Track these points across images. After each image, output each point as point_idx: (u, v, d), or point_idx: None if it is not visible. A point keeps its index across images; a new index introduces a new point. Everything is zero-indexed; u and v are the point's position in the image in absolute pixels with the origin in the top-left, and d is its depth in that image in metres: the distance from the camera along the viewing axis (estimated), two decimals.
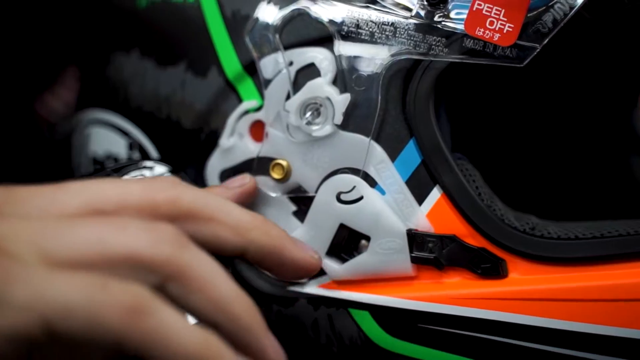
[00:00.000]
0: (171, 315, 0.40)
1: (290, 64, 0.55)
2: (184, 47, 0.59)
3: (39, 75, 0.80)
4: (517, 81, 0.64)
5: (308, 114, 0.55)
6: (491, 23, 0.50)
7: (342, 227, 0.55)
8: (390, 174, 0.54)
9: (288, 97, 0.55)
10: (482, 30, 0.50)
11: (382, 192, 0.54)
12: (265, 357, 0.43)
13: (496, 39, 0.50)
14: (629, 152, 0.69)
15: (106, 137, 0.63)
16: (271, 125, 0.56)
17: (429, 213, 0.53)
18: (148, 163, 0.56)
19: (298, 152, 0.55)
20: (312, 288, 0.56)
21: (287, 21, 0.55)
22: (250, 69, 0.56)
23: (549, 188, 0.69)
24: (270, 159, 0.56)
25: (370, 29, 0.53)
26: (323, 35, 0.54)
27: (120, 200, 0.44)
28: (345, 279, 0.55)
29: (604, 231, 0.52)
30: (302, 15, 0.55)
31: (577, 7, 0.49)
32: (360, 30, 0.53)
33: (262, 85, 0.56)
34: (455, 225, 0.53)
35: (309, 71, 0.55)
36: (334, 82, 0.54)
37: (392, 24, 0.52)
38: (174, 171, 0.56)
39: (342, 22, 0.53)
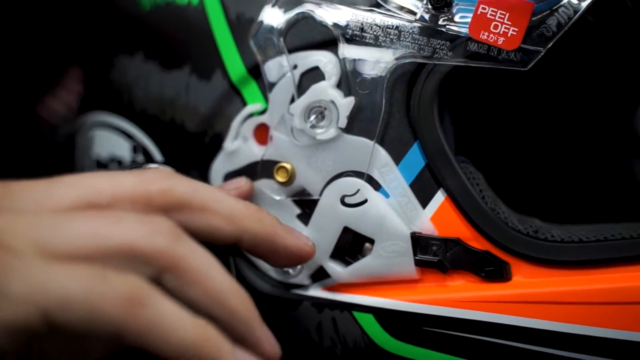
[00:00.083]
0: (169, 306, 0.40)
1: (295, 67, 0.55)
2: (188, 50, 0.59)
3: (40, 77, 0.80)
4: (521, 84, 0.64)
5: (312, 117, 0.55)
6: (495, 27, 0.50)
7: (346, 230, 0.55)
8: (395, 177, 0.54)
9: (292, 101, 0.55)
10: (486, 33, 0.50)
11: (386, 195, 0.54)
12: (261, 348, 0.44)
13: (500, 42, 0.50)
14: (631, 154, 0.70)
15: (110, 139, 0.63)
16: (275, 128, 0.56)
17: (433, 216, 0.54)
18: (152, 166, 0.56)
19: (302, 155, 0.55)
20: (316, 291, 0.56)
21: (292, 24, 0.55)
22: (255, 72, 0.57)
23: (552, 191, 0.69)
24: (275, 162, 0.56)
25: (375, 33, 0.53)
26: (327, 39, 0.54)
27: (114, 193, 0.45)
28: (349, 282, 0.55)
29: (608, 234, 0.52)
30: (306, 19, 0.55)
31: (581, 11, 0.49)
32: (364, 34, 0.53)
33: (266, 88, 0.56)
34: (459, 229, 0.53)
35: (313, 74, 0.55)
36: (338, 85, 0.54)
37: (397, 27, 0.52)
38: None
39: (347, 26, 0.53)
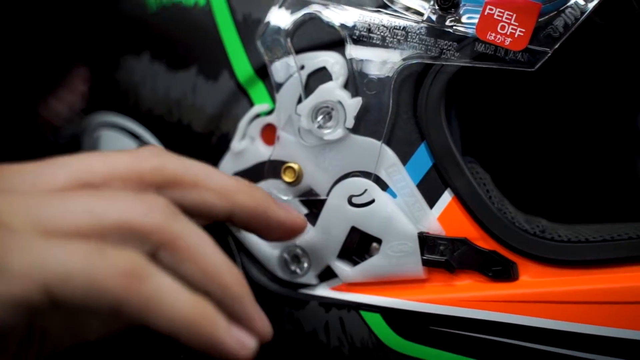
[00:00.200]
0: (167, 281, 0.41)
1: (302, 67, 0.55)
2: (195, 50, 0.59)
3: (43, 78, 0.80)
4: (527, 85, 0.65)
5: (319, 118, 0.55)
6: (502, 28, 0.50)
7: (354, 230, 0.55)
8: (402, 177, 0.54)
9: (299, 101, 0.55)
10: (493, 34, 0.50)
11: (394, 195, 0.54)
12: (254, 324, 0.44)
13: (507, 43, 0.50)
14: (637, 154, 0.70)
15: (116, 140, 0.63)
16: (283, 128, 0.56)
17: (440, 216, 0.54)
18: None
19: (309, 156, 0.55)
20: (324, 290, 0.56)
21: (299, 25, 0.55)
22: (262, 72, 0.57)
23: (559, 191, 0.69)
24: (282, 162, 0.56)
25: (382, 33, 0.53)
26: (334, 40, 0.54)
27: (107, 172, 0.45)
28: (357, 282, 0.56)
29: (614, 234, 0.52)
30: (313, 20, 0.55)
31: (588, 12, 0.50)
32: (371, 35, 0.53)
33: (273, 89, 0.56)
34: (466, 228, 0.53)
35: (321, 75, 0.55)
36: (346, 86, 0.55)
37: (404, 28, 0.53)
38: None
39: (354, 27, 0.54)
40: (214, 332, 0.41)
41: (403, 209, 0.54)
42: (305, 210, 0.56)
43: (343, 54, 0.54)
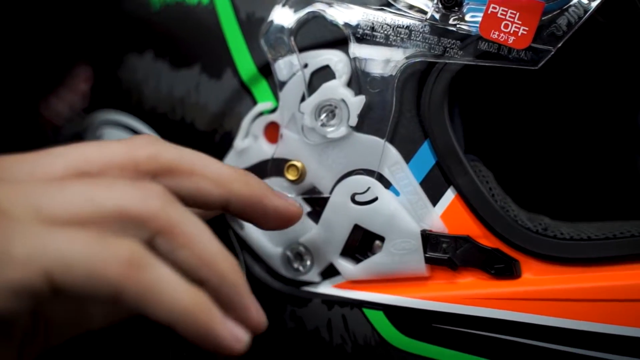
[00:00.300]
0: (166, 270, 0.41)
1: (305, 66, 0.55)
2: (198, 49, 0.59)
3: (44, 77, 0.80)
4: (530, 83, 0.65)
5: (323, 116, 0.55)
6: (506, 26, 0.50)
7: (357, 228, 0.55)
8: (405, 175, 0.54)
9: (303, 99, 0.55)
10: (497, 33, 0.51)
11: (397, 193, 0.54)
12: (249, 314, 0.44)
13: (511, 41, 0.51)
14: (637, 152, 0.70)
15: (119, 138, 0.63)
16: (286, 126, 0.56)
17: (443, 214, 0.54)
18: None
19: (313, 154, 0.56)
20: (326, 288, 0.56)
21: (302, 24, 0.55)
22: (265, 70, 0.57)
23: (561, 189, 0.69)
24: (285, 160, 0.56)
25: (385, 32, 0.53)
26: (338, 38, 0.55)
27: (103, 161, 0.45)
28: (359, 279, 0.56)
29: (616, 232, 0.53)
30: (317, 18, 0.55)
31: (591, 10, 0.50)
32: (375, 33, 0.54)
33: (277, 87, 0.56)
34: (469, 226, 0.54)
35: (324, 73, 0.55)
36: (349, 84, 0.55)
37: (407, 26, 0.53)
38: None
39: (357, 25, 0.54)
40: (210, 324, 0.41)
41: (406, 206, 0.54)
42: (308, 208, 0.56)
43: (346, 52, 0.54)
